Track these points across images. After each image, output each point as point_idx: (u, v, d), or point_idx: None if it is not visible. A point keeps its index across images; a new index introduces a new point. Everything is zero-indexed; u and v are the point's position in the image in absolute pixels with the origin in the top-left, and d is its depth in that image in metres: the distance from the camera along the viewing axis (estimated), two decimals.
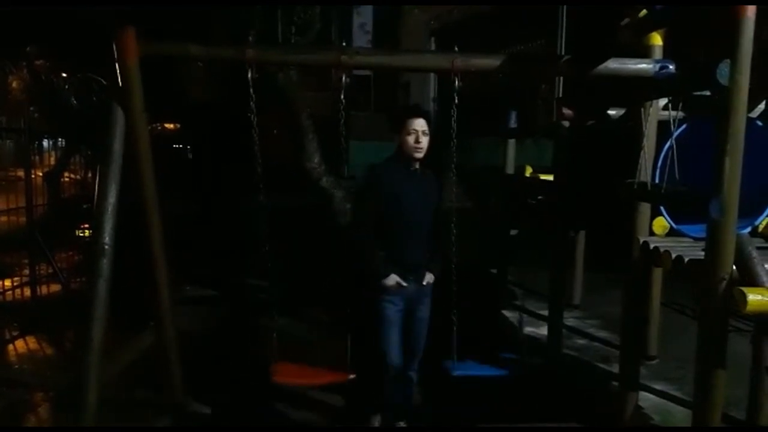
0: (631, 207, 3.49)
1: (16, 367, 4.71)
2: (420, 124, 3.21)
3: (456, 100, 3.18)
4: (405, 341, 3.38)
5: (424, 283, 3.36)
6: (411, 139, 3.20)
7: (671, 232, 3.48)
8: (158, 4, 6.60)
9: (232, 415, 3.90)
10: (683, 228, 3.44)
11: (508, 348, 3.97)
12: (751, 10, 2.40)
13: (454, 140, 3.24)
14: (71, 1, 7.47)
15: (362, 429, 2.88)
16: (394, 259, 3.27)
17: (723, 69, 2.46)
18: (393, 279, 3.25)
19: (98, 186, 3.37)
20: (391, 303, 3.30)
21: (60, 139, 8.40)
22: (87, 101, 8.28)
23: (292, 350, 3.44)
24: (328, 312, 5.63)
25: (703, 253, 2.69)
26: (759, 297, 2.41)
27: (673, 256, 3.05)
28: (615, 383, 3.88)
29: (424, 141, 3.22)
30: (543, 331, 5.09)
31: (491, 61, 3.33)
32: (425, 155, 3.27)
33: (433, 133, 3.30)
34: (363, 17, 12.24)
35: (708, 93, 3.00)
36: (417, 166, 3.30)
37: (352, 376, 3.29)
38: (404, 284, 3.26)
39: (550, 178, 5.24)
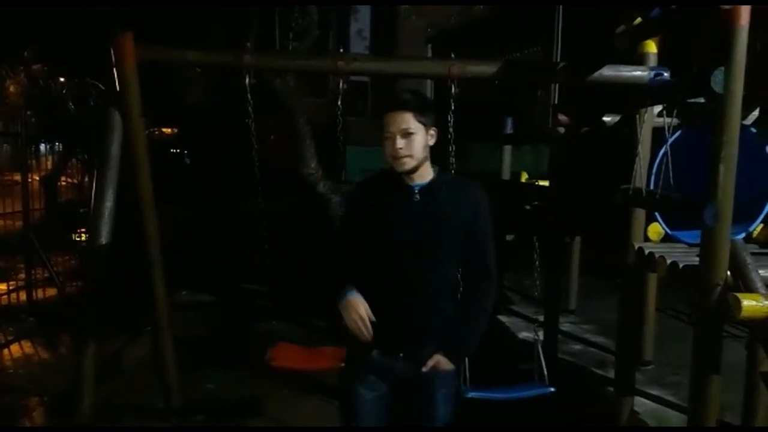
0: (627, 213, 3.51)
1: (12, 371, 4.69)
2: (396, 122, 2.11)
3: (452, 106, 3.19)
4: None
5: (425, 369, 2.16)
6: (388, 145, 2.13)
7: (666, 238, 3.49)
8: (158, 5, 6.63)
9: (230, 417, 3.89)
10: (678, 234, 3.45)
11: (514, 363, 3.90)
12: (744, 18, 2.43)
13: (452, 146, 3.25)
14: (71, 1, 7.49)
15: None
16: (377, 322, 2.12)
17: (717, 76, 2.49)
18: (355, 306, 2.08)
19: (95, 190, 3.37)
20: (365, 388, 2.20)
21: (57, 144, 8.39)
22: (84, 106, 8.29)
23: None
24: (324, 317, 5.63)
25: (698, 258, 2.70)
26: (753, 303, 2.42)
27: (668, 262, 3.06)
28: (611, 388, 3.89)
29: (408, 146, 2.11)
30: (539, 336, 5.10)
31: (487, 68, 3.36)
32: (421, 162, 2.16)
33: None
34: (360, 23, 12.29)
35: (702, 100, 3.02)
36: (418, 180, 2.18)
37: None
38: (367, 331, 2.08)
39: (546, 183, 5.25)
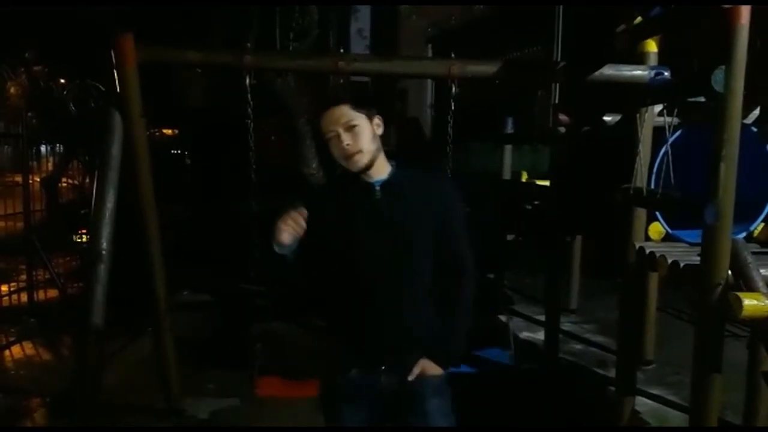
0: (627, 212, 3.51)
1: (13, 372, 4.69)
2: (335, 118, 1.94)
3: (453, 106, 3.19)
4: None
5: (411, 377, 1.99)
6: (334, 145, 1.97)
7: (667, 238, 3.49)
8: (158, 5, 6.64)
9: (229, 418, 3.89)
10: (679, 233, 3.45)
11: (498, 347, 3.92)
12: (745, 17, 2.43)
13: (451, 146, 3.25)
14: (71, 1, 7.49)
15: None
16: (349, 336, 2.04)
17: (718, 75, 2.49)
18: (291, 216, 1.85)
19: (96, 191, 3.37)
20: (353, 414, 2.03)
21: (58, 145, 8.40)
22: (85, 107, 8.30)
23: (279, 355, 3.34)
24: (321, 317, 5.62)
25: (698, 258, 2.70)
26: (755, 302, 2.42)
27: (669, 261, 3.06)
28: (612, 388, 3.89)
29: (355, 139, 1.93)
30: (540, 336, 5.10)
31: (487, 68, 3.36)
32: (375, 155, 1.97)
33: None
34: (360, 23, 12.28)
35: (703, 99, 3.02)
36: (376, 176, 1.99)
37: None
38: (302, 216, 1.86)
39: (546, 183, 5.25)
